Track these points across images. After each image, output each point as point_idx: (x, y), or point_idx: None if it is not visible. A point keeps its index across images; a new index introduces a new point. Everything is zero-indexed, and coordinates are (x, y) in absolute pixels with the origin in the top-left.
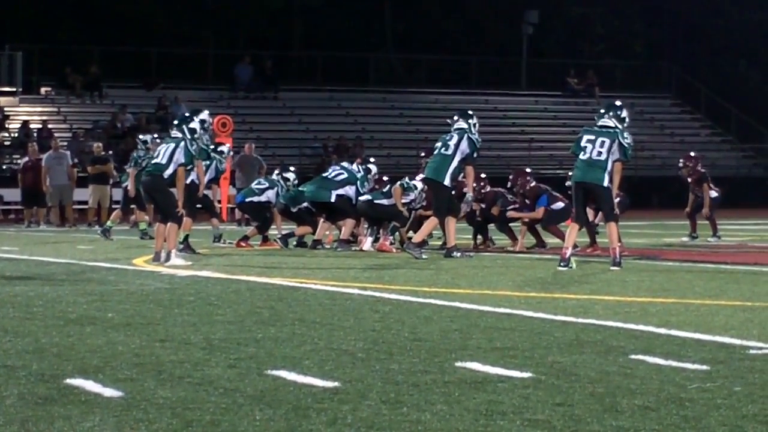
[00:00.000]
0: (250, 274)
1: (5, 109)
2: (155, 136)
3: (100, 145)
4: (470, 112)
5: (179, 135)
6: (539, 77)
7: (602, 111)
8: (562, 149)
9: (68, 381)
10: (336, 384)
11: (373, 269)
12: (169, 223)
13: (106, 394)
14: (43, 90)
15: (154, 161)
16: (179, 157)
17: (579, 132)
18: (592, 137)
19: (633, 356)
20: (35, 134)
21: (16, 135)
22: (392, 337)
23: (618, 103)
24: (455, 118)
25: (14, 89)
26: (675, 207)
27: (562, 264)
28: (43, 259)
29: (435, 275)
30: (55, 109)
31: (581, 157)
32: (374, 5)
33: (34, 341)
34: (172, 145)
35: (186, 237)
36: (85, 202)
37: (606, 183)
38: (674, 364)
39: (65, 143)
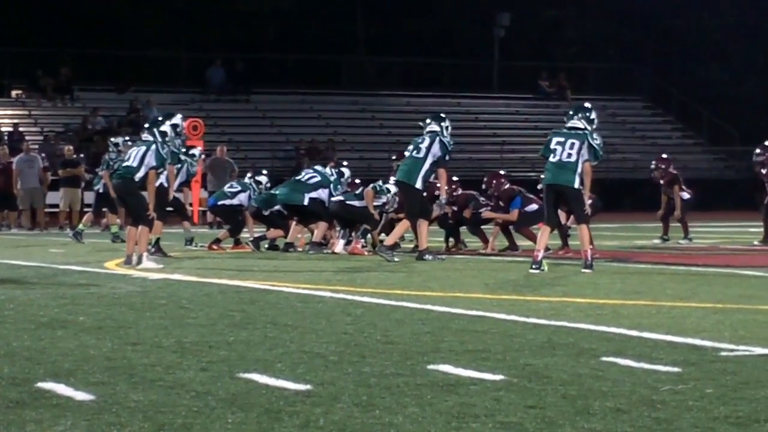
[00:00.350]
0: (222, 277)
1: None
2: (126, 138)
3: (71, 148)
4: (443, 115)
5: (150, 138)
6: (511, 80)
7: (571, 113)
8: (534, 152)
9: (40, 385)
10: (308, 387)
11: (346, 272)
12: (140, 227)
13: (77, 397)
14: (14, 93)
15: (125, 164)
16: (150, 160)
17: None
18: (562, 139)
19: (605, 358)
20: (6, 137)
21: None
22: (364, 340)
23: (587, 105)
24: (427, 121)
25: None
26: (647, 209)
27: (534, 266)
28: (14, 262)
29: (407, 278)
30: (26, 112)
31: (551, 159)
32: (346, 8)
33: (5, 345)
34: (143, 148)
35: (157, 240)
36: (57, 206)
37: (577, 185)
38: (646, 366)
39: (36, 146)
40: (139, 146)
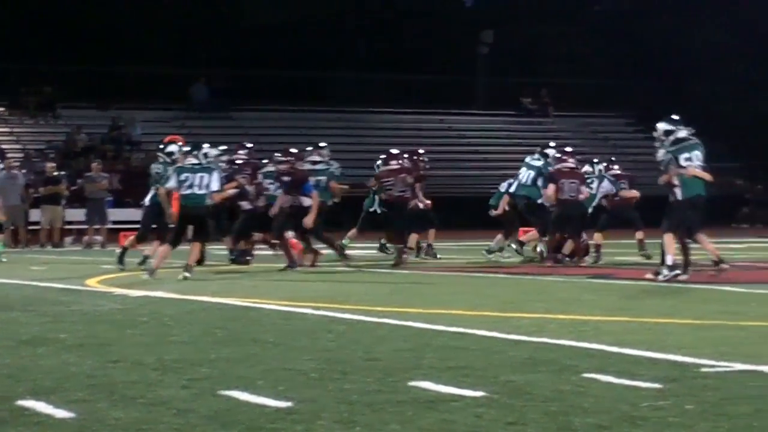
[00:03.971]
0: (204, 295)
1: None
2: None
3: (54, 165)
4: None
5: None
6: (494, 97)
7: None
8: (516, 168)
9: (20, 402)
10: (289, 404)
11: (328, 289)
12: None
13: (58, 415)
14: None
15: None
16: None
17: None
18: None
19: (586, 375)
20: None
21: None
22: (346, 357)
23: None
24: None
25: None
26: (628, 226)
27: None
28: None
29: (389, 295)
30: (8, 130)
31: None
32: (332, 25)
33: None
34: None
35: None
36: (37, 223)
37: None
38: (627, 382)
39: (17, 164)
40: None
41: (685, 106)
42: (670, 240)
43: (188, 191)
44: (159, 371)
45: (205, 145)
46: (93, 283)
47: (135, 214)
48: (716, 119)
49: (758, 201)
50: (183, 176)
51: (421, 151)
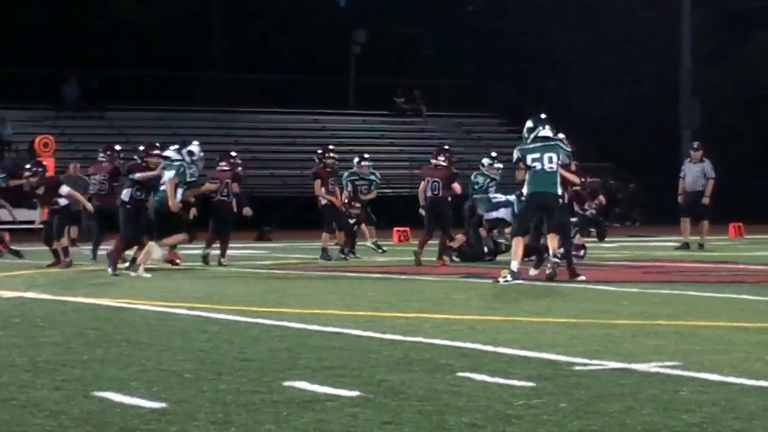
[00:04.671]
0: (76, 295)
1: None
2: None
3: None
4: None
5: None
6: (367, 96)
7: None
8: (390, 168)
9: None
10: (164, 405)
11: (202, 289)
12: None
13: None
14: None
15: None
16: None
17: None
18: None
19: (461, 374)
20: None
21: None
22: (221, 357)
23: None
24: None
25: None
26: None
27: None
28: None
29: (264, 295)
30: None
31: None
32: (202, 24)
33: None
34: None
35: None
36: None
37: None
38: (501, 381)
39: None
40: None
41: (556, 106)
42: (518, 243)
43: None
44: (31, 372)
45: (194, 143)
46: None
47: (5, 214)
48: (588, 119)
49: (630, 201)
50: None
51: (233, 153)
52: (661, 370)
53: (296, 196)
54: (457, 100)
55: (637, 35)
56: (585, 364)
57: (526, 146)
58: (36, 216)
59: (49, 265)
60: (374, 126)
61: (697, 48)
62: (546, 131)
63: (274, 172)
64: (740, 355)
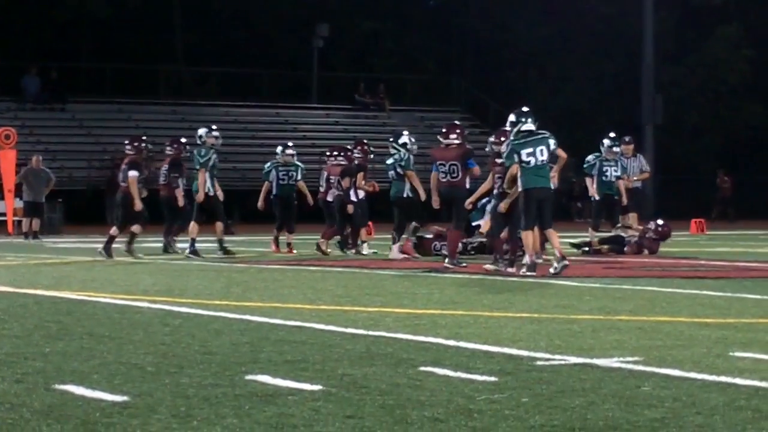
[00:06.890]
0: (37, 288)
1: None
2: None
3: None
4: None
5: None
6: (330, 90)
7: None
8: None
9: None
10: (125, 398)
11: (164, 282)
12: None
13: None
14: None
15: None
16: None
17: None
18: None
19: (423, 368)
20: None
21: None
22: (182, 351)
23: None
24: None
25: None
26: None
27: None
28: None
29: (226, 288)
30: None
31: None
32: (163, 17)
33: None
34: None
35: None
36: None
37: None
38: (463, 375)
39: None
40: None
41: (518, 99)
42: (527, 236)
43: None
44: None
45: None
46: None
47: None
48: (550, 112)
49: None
50: None
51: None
52: (623, 366)
53: (258, 189)
54: (420, 95)
55: (600, 31)
56: (547, 359)
57: (517, 141)
58: None
59: None
60: (337, 120)
61: (660, 44)
62: (529, 124)
63: (236, 166)
64: (701, 351)
